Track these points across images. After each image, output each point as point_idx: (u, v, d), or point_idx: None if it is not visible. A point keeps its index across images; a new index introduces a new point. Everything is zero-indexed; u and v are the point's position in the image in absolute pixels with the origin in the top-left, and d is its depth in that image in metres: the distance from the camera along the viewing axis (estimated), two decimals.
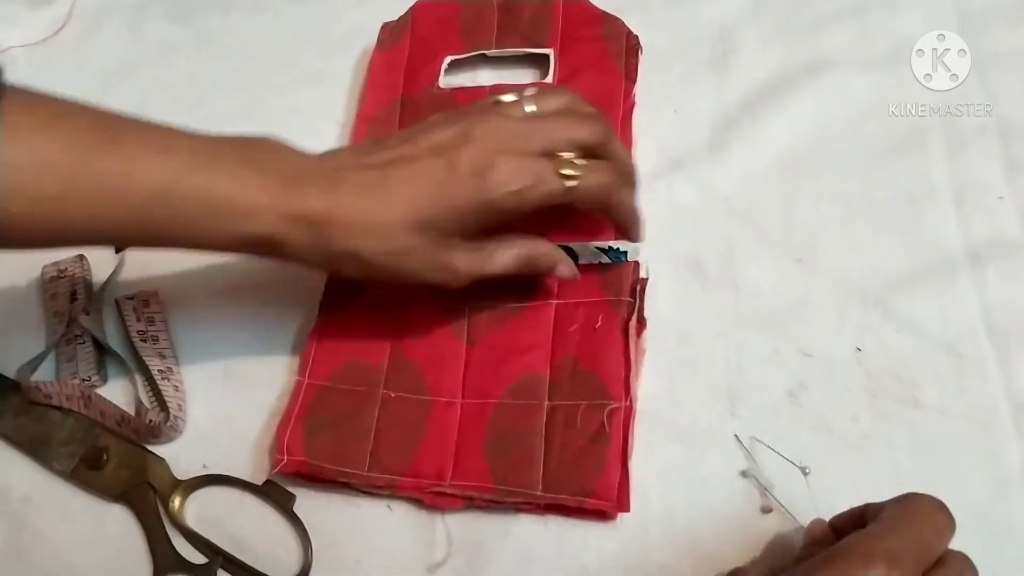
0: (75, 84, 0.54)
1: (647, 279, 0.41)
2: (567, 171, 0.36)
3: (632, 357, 0.39)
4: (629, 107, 0.46)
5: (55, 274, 0.46)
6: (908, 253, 0.42)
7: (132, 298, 0.45)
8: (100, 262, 0.47)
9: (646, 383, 0.39)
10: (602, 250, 0.42)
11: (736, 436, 0.38)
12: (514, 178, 0.35)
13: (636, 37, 0.49)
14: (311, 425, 0.39)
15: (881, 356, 0.39)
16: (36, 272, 0.46)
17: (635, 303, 0.40)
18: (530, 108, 0.37)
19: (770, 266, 0.42)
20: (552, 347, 0.40)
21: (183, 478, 0.40)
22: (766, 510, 0.36)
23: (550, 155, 0.36)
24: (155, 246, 0.35)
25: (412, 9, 0.52)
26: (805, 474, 0.36)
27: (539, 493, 0.36)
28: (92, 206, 0.32)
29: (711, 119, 0.47)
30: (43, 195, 0.31)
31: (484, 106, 0.38)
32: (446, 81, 0.49)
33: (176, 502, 0.39)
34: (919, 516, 0.28)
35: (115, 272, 0.46)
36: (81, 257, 0.47)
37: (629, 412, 0.38)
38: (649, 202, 0.44)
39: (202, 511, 0.39)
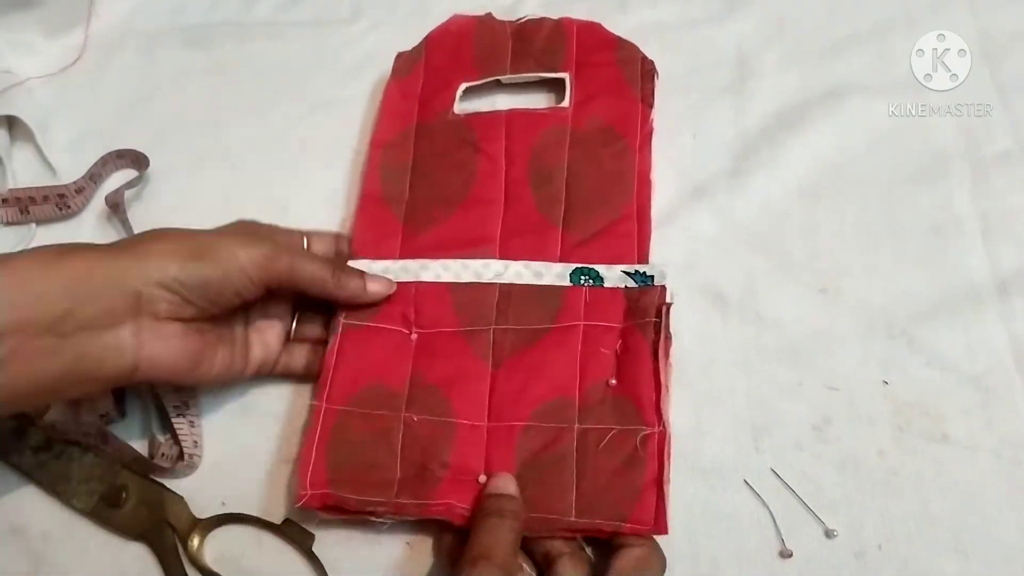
0: (91, 114, 0.55)
1: (672, 303, 0.40)
2: None
3: (662, 379, 0.38)
4: (647, 132, 0.46)
5: None
6: (934, 283, 0.41)
7: None
8: None
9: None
10: (628, 273, 0.41)
11: (774, 471, 0.37)
12: None
13: (651, 62, 0.48)
14: (334, 456, 0.38)
15: (907, 389, 0.39)
16: None
17: (661, 322, 0.39)
18: None
19: (793, 297, 0.42)
20: (581, 369, 0.40)
21: (202, 516, 0.39)
22: (786, 555, 0.36)
23: None
24: None
25: (426, 39, 0.52)
26: (832, 536, 0.36)
27: (572, 519, 0.36)
28: None
29: (730, 145, 0.47)
30: None
31: None
32: (461, 107, 0.49)
33: (195, 541, 0.39)
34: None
35: None
36: None
37: (663, 437, 0.37)
38: (669, 231, 0.44)
39: (221, 550, 0.39)
